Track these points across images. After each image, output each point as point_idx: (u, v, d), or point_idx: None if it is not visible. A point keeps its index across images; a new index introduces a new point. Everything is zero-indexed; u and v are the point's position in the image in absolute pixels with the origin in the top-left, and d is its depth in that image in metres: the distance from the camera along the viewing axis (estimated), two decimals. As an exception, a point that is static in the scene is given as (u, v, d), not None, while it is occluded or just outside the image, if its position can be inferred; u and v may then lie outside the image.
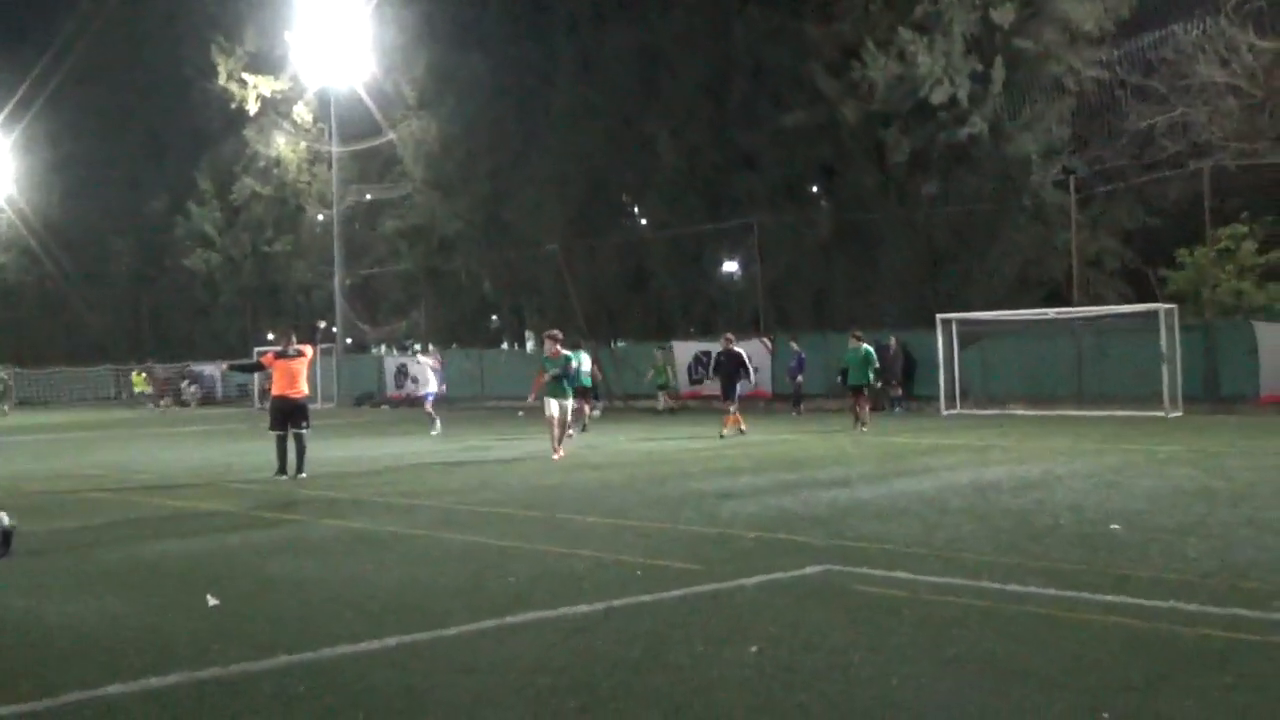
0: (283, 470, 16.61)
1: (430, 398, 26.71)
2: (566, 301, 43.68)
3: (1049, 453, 18.07)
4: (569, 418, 19.23)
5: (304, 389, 17.04)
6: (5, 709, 5.70)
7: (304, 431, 16.86)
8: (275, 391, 16.91)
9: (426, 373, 27.05)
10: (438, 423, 26.12)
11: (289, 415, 16.78)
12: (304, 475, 16.49)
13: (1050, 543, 9.67)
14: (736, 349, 23.36)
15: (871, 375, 23.96)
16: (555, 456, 18.42)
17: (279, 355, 17.07)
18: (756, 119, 38.71)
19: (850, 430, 23.04)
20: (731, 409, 22.92)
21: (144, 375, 50.02)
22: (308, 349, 17.34)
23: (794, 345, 32.56)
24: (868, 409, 23.92)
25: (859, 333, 24.76)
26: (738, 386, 23.26)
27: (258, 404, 18.71)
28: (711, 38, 40.78)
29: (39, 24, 61.77)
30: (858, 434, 22.37)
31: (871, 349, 24.29)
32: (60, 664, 6.59)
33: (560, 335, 19.23)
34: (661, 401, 34.16)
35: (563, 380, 18.71)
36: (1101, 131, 33.52)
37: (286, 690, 5.97)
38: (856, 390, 23.85)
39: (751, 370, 23.49)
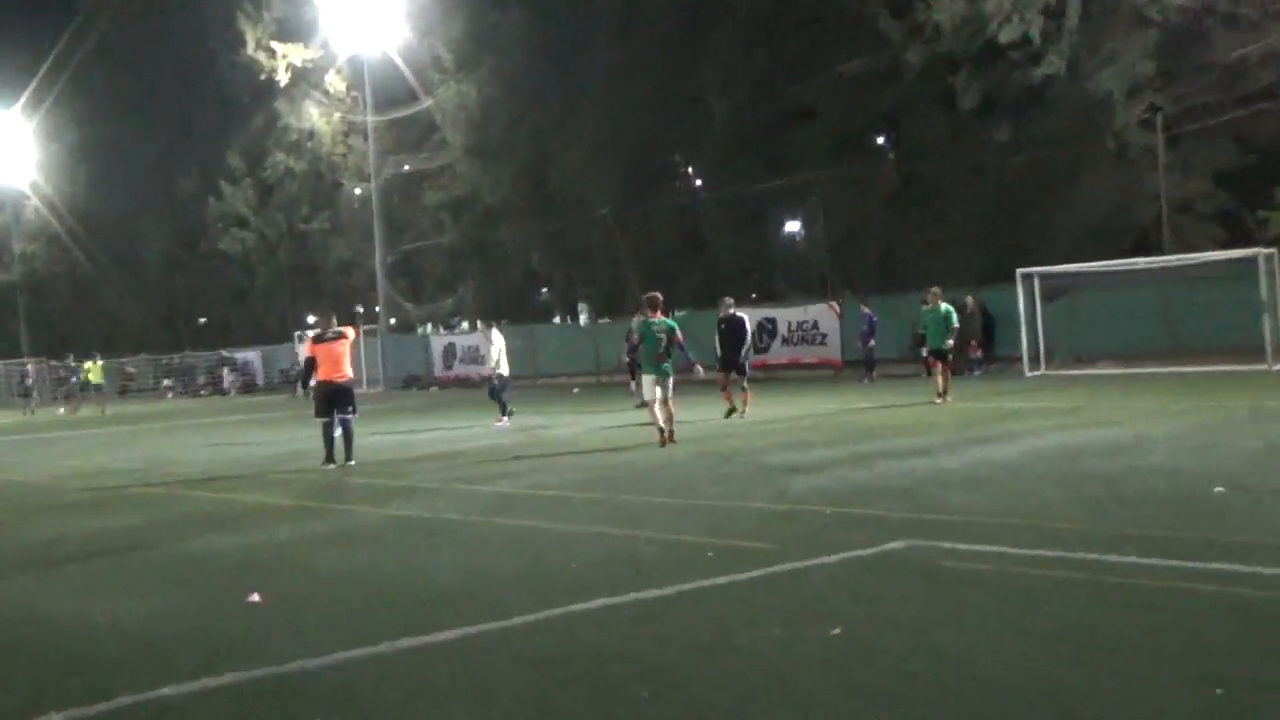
0: (331, 459, 16.77)
1: (501, 382, 23.50)
2: (619, 270, 43.76)
3: (1141, 413, 17.87)
4: (669, 396, 17.14)
5: (348, 372, 17.16)
6: (58, 714, 5.81)
7: (351, 417, 16.99)
8: (320, 376, 17.02)
9: (494, 350, 23.67)
10: (506, 417, 23.39)
11: (334, 400, 16.91)
12: (353, 463, 16.63)
13: (1147, 509, 9.57)
14: (739, 314, 21.75)
15: (951, 339, 22.66)
16: (670, 438, 16.87)
17: (318, 340, 17.19)
18: (813, 68, 38.44)
19: (930, 400, 21.98)
20: (743, 384, 21.28)
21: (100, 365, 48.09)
22: (349, 330, 17.45)
23: (864, 308, 32.34)
24: (949, 375, 22.46)
25: (936, 290, 23.17)
26: (743, 358, 21.48)
27: (300, 391, 18.69)
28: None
29: (56, 1, 62.45)
30: (939, 404, 21.44)
31: (951, 308, 22.91)
32: (110, 666, 6.71)
33: (660, 298, 17.64)
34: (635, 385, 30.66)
35: (667, 352, 17.05)
36: (1189, 65, 32.97)
37: (346, 686, 6.04)
38: (936, 355, 22.55)
39: (750, 340, 21.69)
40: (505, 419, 23.20)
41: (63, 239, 64.66)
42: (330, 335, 17.10)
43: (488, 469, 15.62)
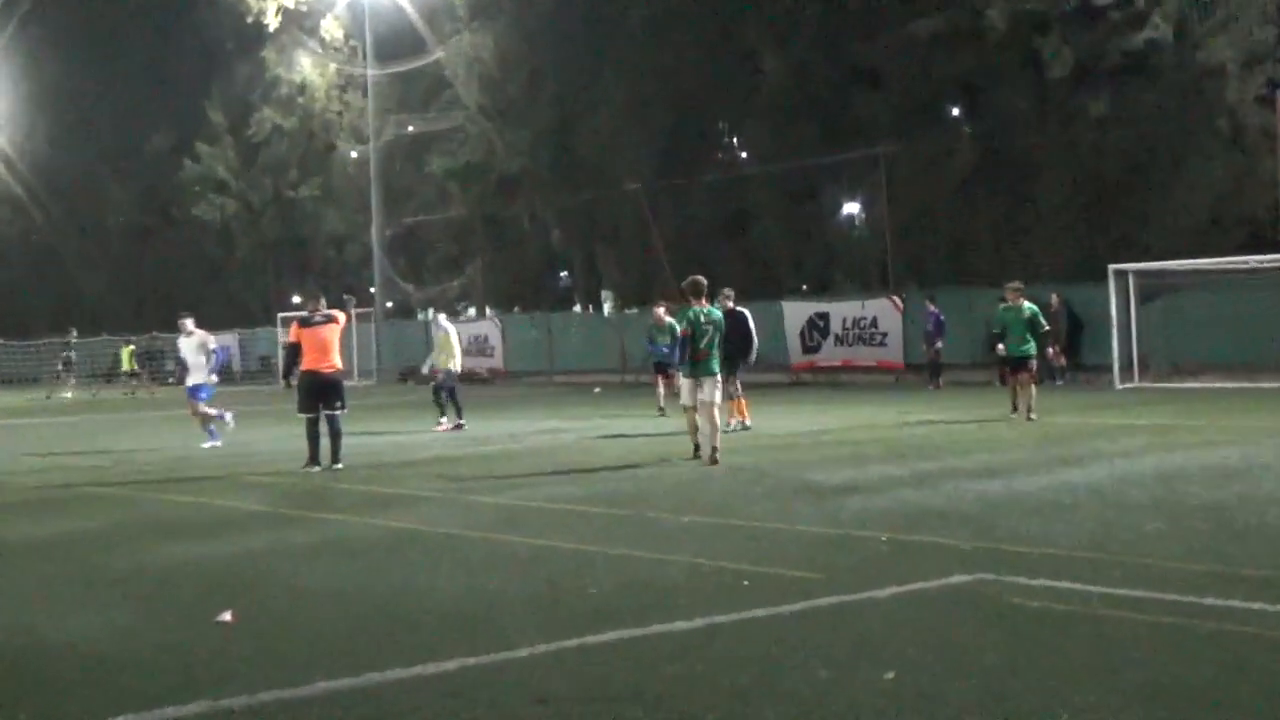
0: (315, 460, 16.85)
1: (448, 380, 23.31)
2: (651, 253, 43.77)
3: (1252, 433, 17.77)
4: (718, 399, 16.42)
5: (337, 362, 17.24)
6: (1, 743, 5.86)
7: (339, 413, 17.07)
8: (304, 366, 17.09)
9: (449, 342, 23.36)
10: (446, 420, 23.28)
11: (320, 394, 16.98)
12: (340, 465, 16.70)
13: (1255, 546, 9.52)
14: (741, 309, 20.91)
15: (1035, 344, 21.65)
16: (690, 457, 16.36)
17: (304, 323, 17.28)
18: (881, 25, 38.38)
19: (1009, 416, 21.25)
20: (734, 391, 20.49)
21: (132, 350, 50.67)
22: (340, 314, 17.50)
23: (930, 305, 32.30)
24: (1033, 389, 21.38)
25: (1018, 284, 22.13)
26: (750, 360, 20.95)
27: (283, 383, 18.70)
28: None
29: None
30: (1014, 420, 20.82)
31: (1036, 308, 21.90)
32: (64, 690, 6.75)
33: (704, 283, 16.79)
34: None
35: (714, 348, 16.31)
36: (1316, 32, 32.77)
37: (328, 722, 6.07)
38: (1017, 364, 21.52)
39: (755, 340, 21.03)
40: (445, 422, 23.14)
41: (18, 199, 65.04)
42: (318, 320, 17.17)
43: (495, 477, 15.66)
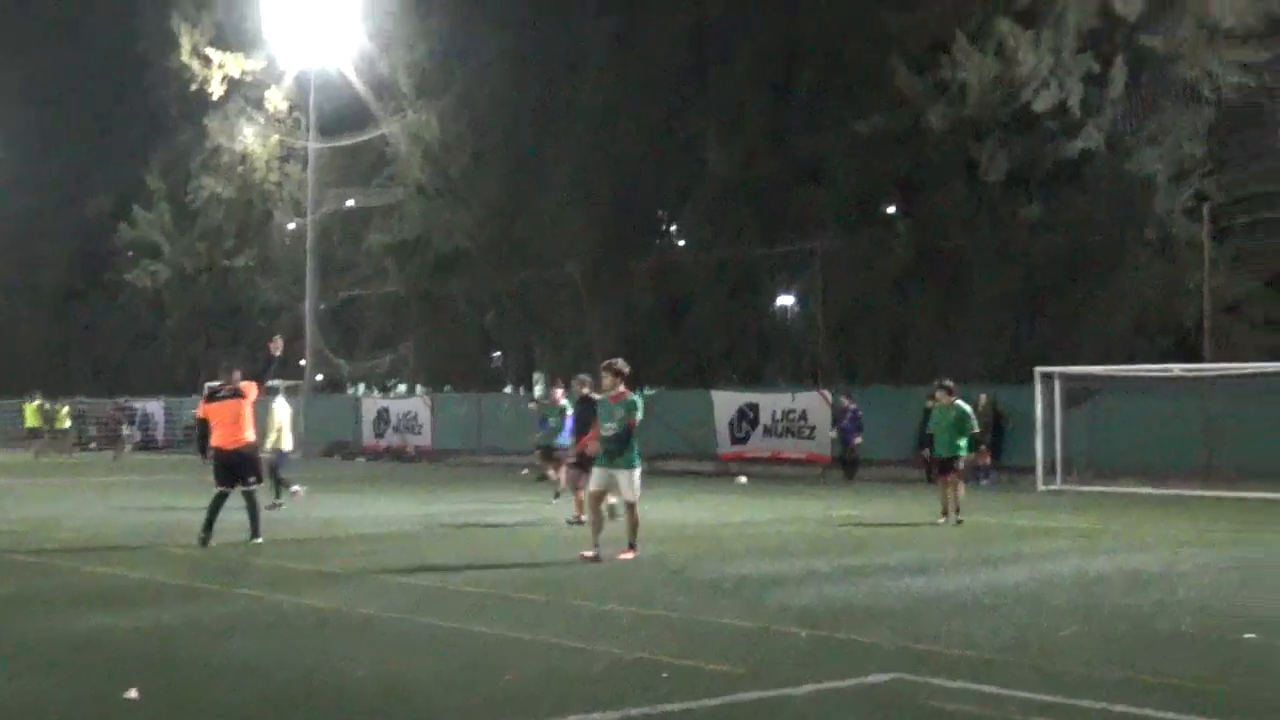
0: (209, 532, 16.49)
1: (280, 458, 22.92)
2: (586, 338, 43.80)
3: (1170, 541, 17.93)
4: (633, 492, 15.22)
5: (247, 436, 17.01)
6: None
7: (254, 488, 16.89)
8: (214, 442, 16.89)
9: (277, 420, 22.99)
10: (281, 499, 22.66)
11: (234, 469, 16.78)
12: (259, 541, 16.49)
13: (1171, 654, 9.60)
14: (597, 396, 18.96)
15: (965, 444, 20.98)
16: (588, 553, 15.03)
17: (211, 397, 17.20)
18: (824, 122, 38.81)
19: (936, 520, 20.44)
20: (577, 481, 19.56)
21: (37, 405, 49.27)
22: (251, 387, 17.16)
23: (845, 399, 32.61)
24: (961, 490, 20.92)
25: (948, 383, 21.51)
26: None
27: (202, 458, 18.48)
28: (773, 22, 40.95)
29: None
30: (942, 524, 20.15)
31: (968, 408, 21.30)
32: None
33: (626, 368, 15.81)
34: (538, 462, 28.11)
35: (626, 440, 15.20)
36: (1243, 151, 33.44)
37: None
38: (945, 465, 20.97)
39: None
40: (298, 489, 22.91)
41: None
42: (224, 393, 16.98)
43: (416, 557, 15.55)
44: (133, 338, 62.53)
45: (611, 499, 15.68)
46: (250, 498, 16.77)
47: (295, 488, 22.76)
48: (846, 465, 32.15)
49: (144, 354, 61.72)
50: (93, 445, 51.62)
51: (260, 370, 18.23)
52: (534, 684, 8.43)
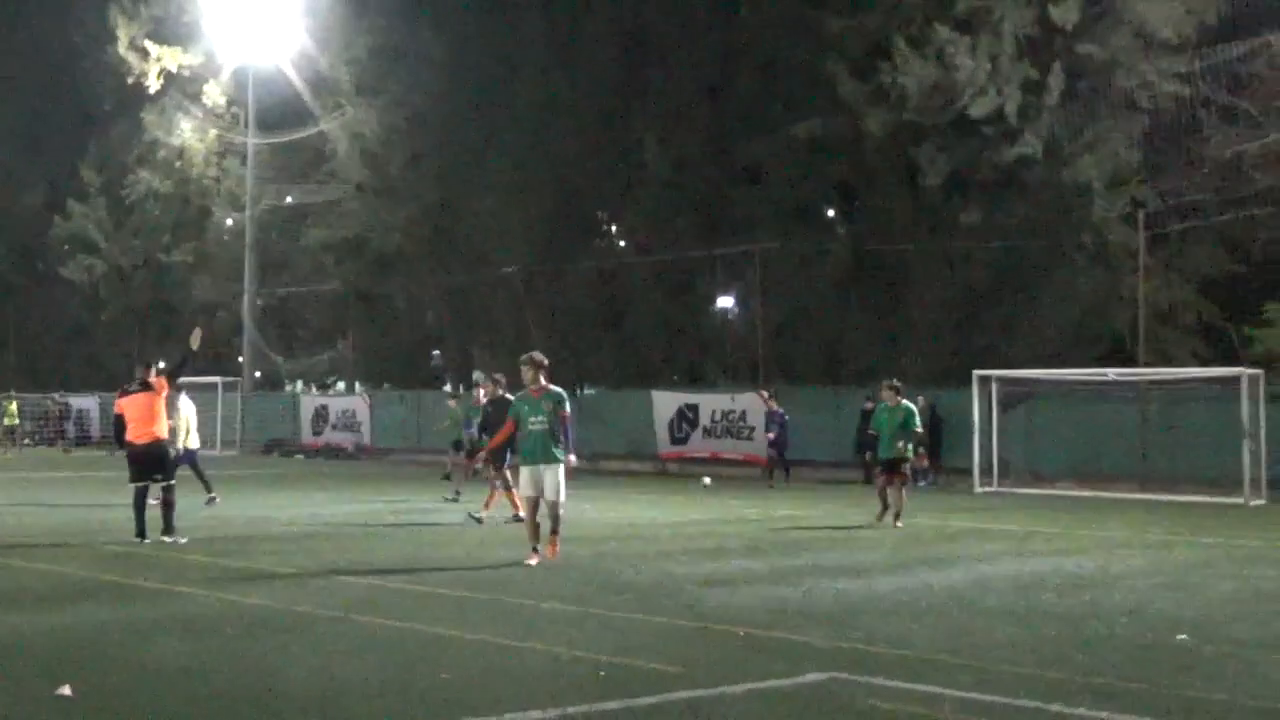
0: (142, 533, 16.39)
1: (188, 456, 22.54)
2: (525, 337, 43.71)
3: (1105, 544, 18.09)
4: (558, 494, 14.83)
5: (158, 431, 16.80)
6: None
7: (168, 483, 16.68)
8: (127, 436, 16.77)
9: (184, 420, 22.59)
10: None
11: (145, 466, 16.66)
12: (176, 540, 16.22)
13: (1104, 655, 9.67)
14: (510, 396, 18.71)
15: (911, 447, 20.52)
16: (533, 560, 14.59)
17: (124, 392, 17.07)
18: (763, 125, 38.97)
19: (875, 521, 20.12)
20: (497, 481, 19.81)
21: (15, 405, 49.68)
22: (161, 382, 16.91)
23: (773, 404, 32.50)
24: (903, 494, 20.28)
25: (895, 383, 20.87)
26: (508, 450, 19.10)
27: (117, 452, 18.33)
28: (712, 25, 41.10)
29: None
30: (886, 526, 19.80)
31: (914, 409, 20.70)
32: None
33: (544, 360, 15.36)
34: (450, 464, 29.43)
35: (554, 434, 14.81)
36: (1179, 158, 33.81)
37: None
38: (888, 466, 20.36)
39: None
40: (215, 495, 22.64)
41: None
42: (134, 388, 16.88)
43: (352, 555, 15.46)
44: (67, 334, 61.87)
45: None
46: (165, 493, 16.59)
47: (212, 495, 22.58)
48: (770, 468, 31.95)
49: (78, 349, 61.12)
50: (27, 441, 50.95)
51: (176, 365, 18.05)
52: (471, 683, 8.40)
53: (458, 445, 28.25)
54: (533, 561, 14.45)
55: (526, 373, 15.02)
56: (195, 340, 17.80)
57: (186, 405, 22.95)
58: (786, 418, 32.05)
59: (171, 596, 12.18)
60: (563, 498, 14.84)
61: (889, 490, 20.28)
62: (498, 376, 21.15)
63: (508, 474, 19.44)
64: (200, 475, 22.51)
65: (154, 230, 56.72)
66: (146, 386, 16.77)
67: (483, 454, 19.51)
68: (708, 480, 30.81)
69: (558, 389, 15.16)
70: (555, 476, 14.69)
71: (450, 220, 46.24)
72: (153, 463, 16.67)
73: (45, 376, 59.90)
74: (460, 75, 45.08)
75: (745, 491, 28.70)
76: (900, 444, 20.18)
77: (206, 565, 14.45)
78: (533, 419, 14.79)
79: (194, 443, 22.85)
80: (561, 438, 14.82)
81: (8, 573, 13.69)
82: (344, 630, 10.39)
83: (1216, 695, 8.34)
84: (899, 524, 19.84)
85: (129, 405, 16.79)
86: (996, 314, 35.56)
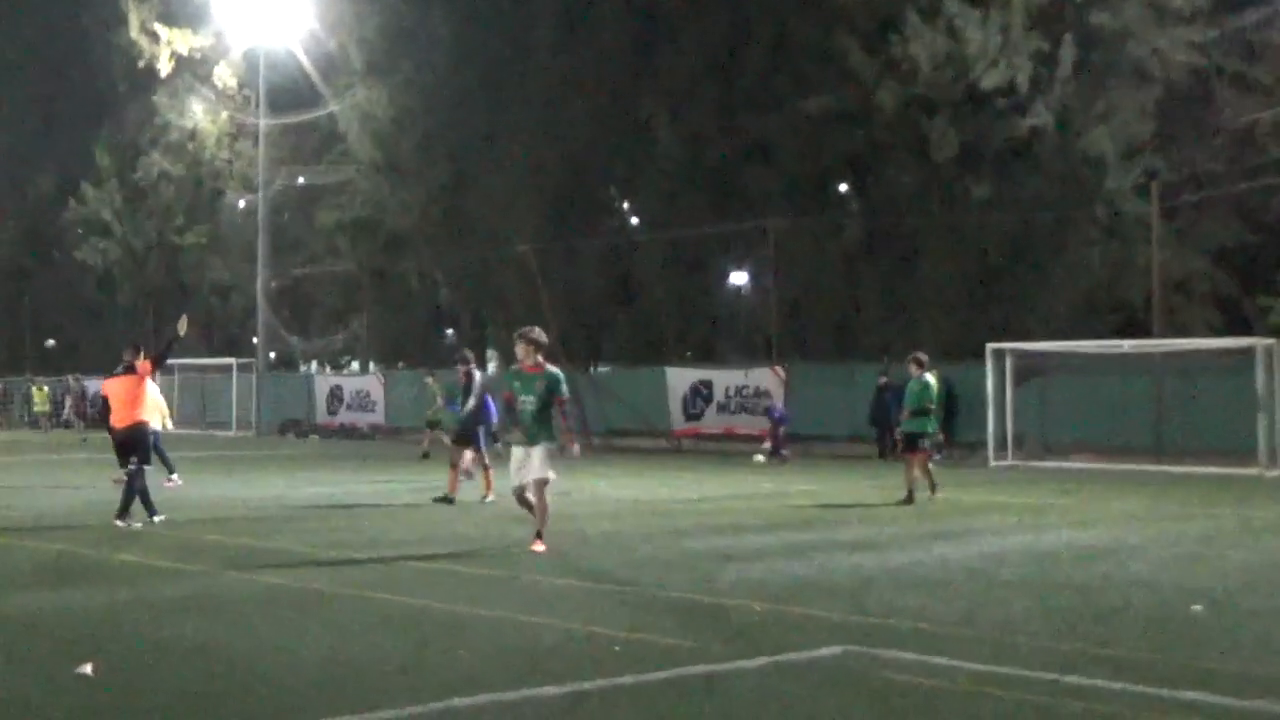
0: (151, 512, 16.36)
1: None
2: (538, 315, 43.71)
3: (1120, 516, 18.07)
4: (544, 472, 13.88)
5: (138, 415, 16.70)
6: None
7: (133, 468, 16.42)
8: (111, 420, 16.81)
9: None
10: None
11: (123, 448, 16.59)
12: (123, 524, 15.97)
13: (1119, 626, 9.66)
14: (478, 373, 20.19)
15: (933, 423, 20.18)
16: (537, 547, 13.74)
17: (110, 375, 17.09)
18: (774, 101, 38.87)
19: (930, 499, 19.51)
20: (484, 461, 20.06)
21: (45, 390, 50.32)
22: (143, 364, 16.78)
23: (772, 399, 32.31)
24: (918, 471, 19.81)
25: (921, 356, 20.39)
26: (481, 430, 20.15)
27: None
28: (722, 1, 40.94)
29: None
30: (930, 502, 19.33)
31: (931, 381, 20.16)
32: (-94, 742, 6.54)
33: (543, 337, 14.38)
34: (426, 441, 31.18)
35: (549, 411, 14.00)
36: (1192, 129, 33.70)
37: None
38: (911, 443, 19.92)
39: (493, 407, 20.32)
40: (175, 478, 22.61)
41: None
42: (118, 371, 16.87)
43: (369, 534, 15.48)
44: (82, 316, 62.05)
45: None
46: (131, 477, 16.42)
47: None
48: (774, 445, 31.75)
49: (93, 332, 61.28)
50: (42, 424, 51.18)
51: (162, 349, 18.08)
52: (487, 660, 8.40)
53: (433, 425, 28.66)
54: (539, 547, 13.65)
55: (520, 348, 14.12)
56: (182, 326, 17.70)
57: (151, 387, 22.86)
58: (780, 412, 31.69)
59: (188, 576, 12.20)
60: (550, 477, 13.83)
61: (908, 467, 19.82)
62: (466, 353, 20.89)
63: (484, 454, 19.85)
64: (161, 456, 22.20)
65: (167, 212, 56.84)
66: (130, 370, 16.76)
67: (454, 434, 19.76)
68: (760, 458, 30.17)
69: (555, 370, 14.16)
70: (541, 455, 13.71)
71: (462, 199, 46.19)
72: (130, 446, 16.59)
73: (60, 360, 60.12)
74: (470, 54, 44.94)
75: (760, 468, 28.70)
76: (913, 418, 19.79)
77: (222, 545, 14.48)
78: (524, 397, 13.84)
79: (156, 424, 22.66)
80: (561, 423, 14.09)
81: (26, 553, 13.74)
82: (359, 608, 10.41)
83: (1231, 666, 8.32)
84: (934, 495, 19.54)
85: (113, 388, 16.81)
86: (1010, 287, 35.48)
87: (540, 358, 14.03)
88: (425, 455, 29.94)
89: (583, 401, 35.01)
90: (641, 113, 42.27)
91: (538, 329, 14.39)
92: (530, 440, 13.77)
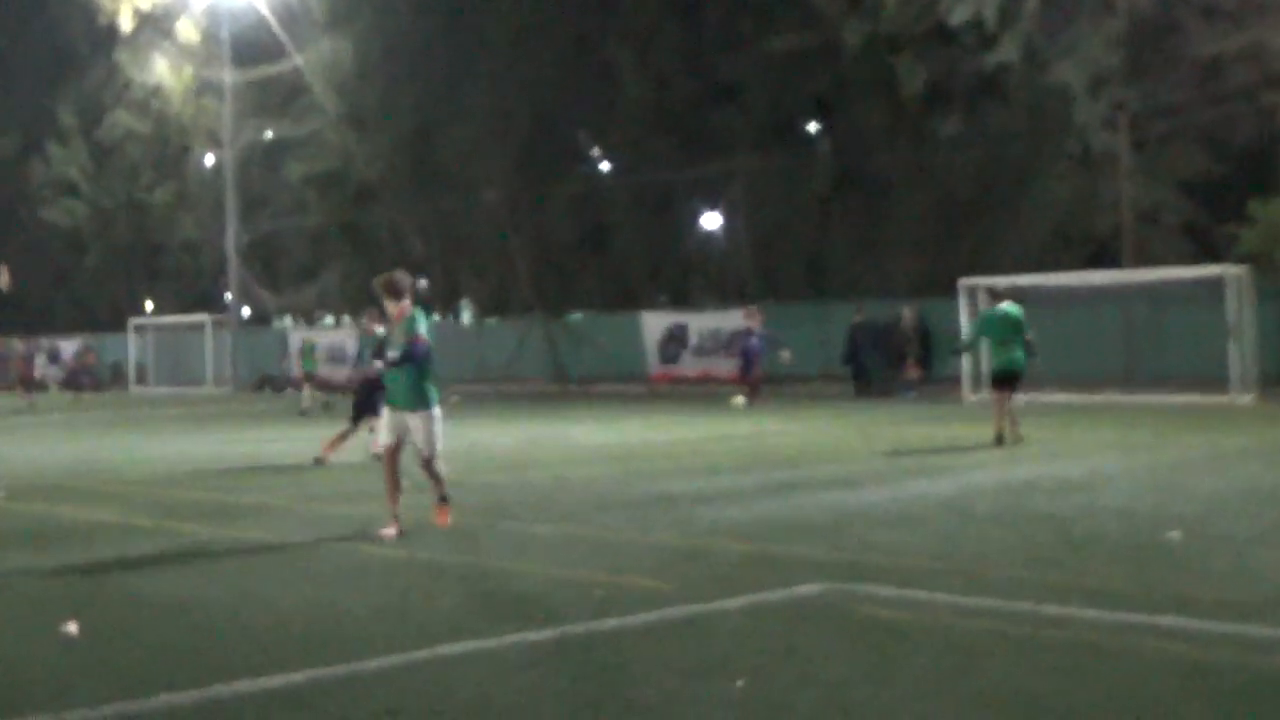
0: None
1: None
2: (510, 262, 43.66)
3: (1094, 446, 18.18)
4: (431, 448, 11.84)
5: None
6: None
7: None
8: None
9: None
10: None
11: None
12: None
13: (1095, 556, 9.74)
14: (380, 330, 16.02)
15: (1022, 356, 18.60)
16: (387, 532, 11.39)
17: None
18: (739, 41, 38.68)
19: (1019, 437, 18.61)
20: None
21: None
22: None
23: (753, 322, 31.14)
24: (1003, 411, 18.45)
25: (1001, 286, 18.99)
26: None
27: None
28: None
29: None
30: (1018, 440, 18.40)
31: (1015, 311, 18.77)
32: (-110, 706, 6.52)
33: (406, 282, 12.27)
34: (306, 398, 31.50)
35: (420, 370, 11.83)
36: (1159, 59, 33.61)
37: (169, 737, 5.93)
38: (1003, 381, 18.57)
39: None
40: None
41: None
42: None
43: (347, 486, 15.47)
44: (52, 277, 61.60)
45: None
46: None
47: None
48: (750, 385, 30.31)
49: (64, 293, 60.92)
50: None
51: None
52: (469, 607, 8.43)
53: (310, 376, 30.73)
54: (389, 533, 11.34)
55: (384, 299, 12.09)
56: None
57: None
58: (755, 339, 30.86)
59: (167, 534, 12.17)
60: (438, 449, 11.87)
61: (1001, 403, 18.60)
62: (371, 310, 18.72)
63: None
64: None
65: (134, 171, 56.42)
66: None
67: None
68: (740, 400, 29.66)
69: (415, 310, 12.03)
70: (426, 425, 11.73)
71: (429, 148, 45.92)
72: None
73: (30, 321, 59.67)
74: (431, 2, 44.60)
75: (738, 411, 28.76)
76: (1016, 355, 18.62)
77: (202, 501, 14.47)
78: (391, 352, 11.85)
79: None
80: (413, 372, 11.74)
81: (7, 515, 13.69)
82: (341, 559, 10.41)
83: (1207, 591, 8.40)
84: (1018, 436, 18.48)
85: None
86: (980, 222, 35.51)
87: (406, 302, 12.04)
88: (326, 404, 30.37)
89: (559, 349, 34.97)
90: (606, 56, 42.04)
91: (399, 271, 12.66)
92: (406, 404, 11.83)
